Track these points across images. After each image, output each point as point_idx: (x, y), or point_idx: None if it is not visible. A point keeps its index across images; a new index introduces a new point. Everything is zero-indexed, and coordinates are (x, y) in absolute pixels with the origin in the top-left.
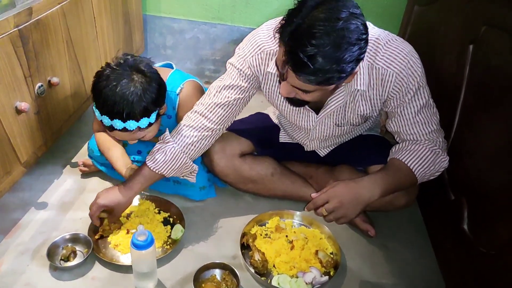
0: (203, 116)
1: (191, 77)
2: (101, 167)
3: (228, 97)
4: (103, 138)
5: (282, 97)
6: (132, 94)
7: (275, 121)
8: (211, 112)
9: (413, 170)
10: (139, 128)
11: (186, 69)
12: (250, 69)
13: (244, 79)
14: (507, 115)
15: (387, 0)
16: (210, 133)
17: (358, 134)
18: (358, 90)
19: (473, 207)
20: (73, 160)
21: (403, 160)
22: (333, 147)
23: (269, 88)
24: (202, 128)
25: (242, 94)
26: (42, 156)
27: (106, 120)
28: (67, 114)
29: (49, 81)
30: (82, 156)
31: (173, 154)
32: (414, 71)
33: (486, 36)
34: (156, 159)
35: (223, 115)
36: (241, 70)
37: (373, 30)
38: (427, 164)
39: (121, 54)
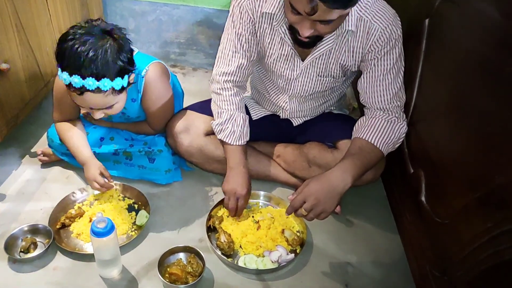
0: (224, 74)
1: (155, 59)
2: (62, 157)
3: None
4: (64, 128)
5: (274, 41)
6: (108, 50)
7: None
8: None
9: (376, 144)
10: (112, 89)
11: (150, 53)
12: (247, 13)
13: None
14: (460, 87)
15: None
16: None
17: (330, 106)
18: (347, 31)
19: (429, 179)
20: (32, 150)
21: (364, 138)
22: (308, 117)
23: (263, 31)
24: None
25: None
26: None
27: (77, 80)
28: (22, 102)
29: None
30: (41, 145)
31: (234, 118)
32: (396, 29)
33: (440, 9)
34: (227, 133)
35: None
36: (239, 17)
37: None
38: (387, 134)
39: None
